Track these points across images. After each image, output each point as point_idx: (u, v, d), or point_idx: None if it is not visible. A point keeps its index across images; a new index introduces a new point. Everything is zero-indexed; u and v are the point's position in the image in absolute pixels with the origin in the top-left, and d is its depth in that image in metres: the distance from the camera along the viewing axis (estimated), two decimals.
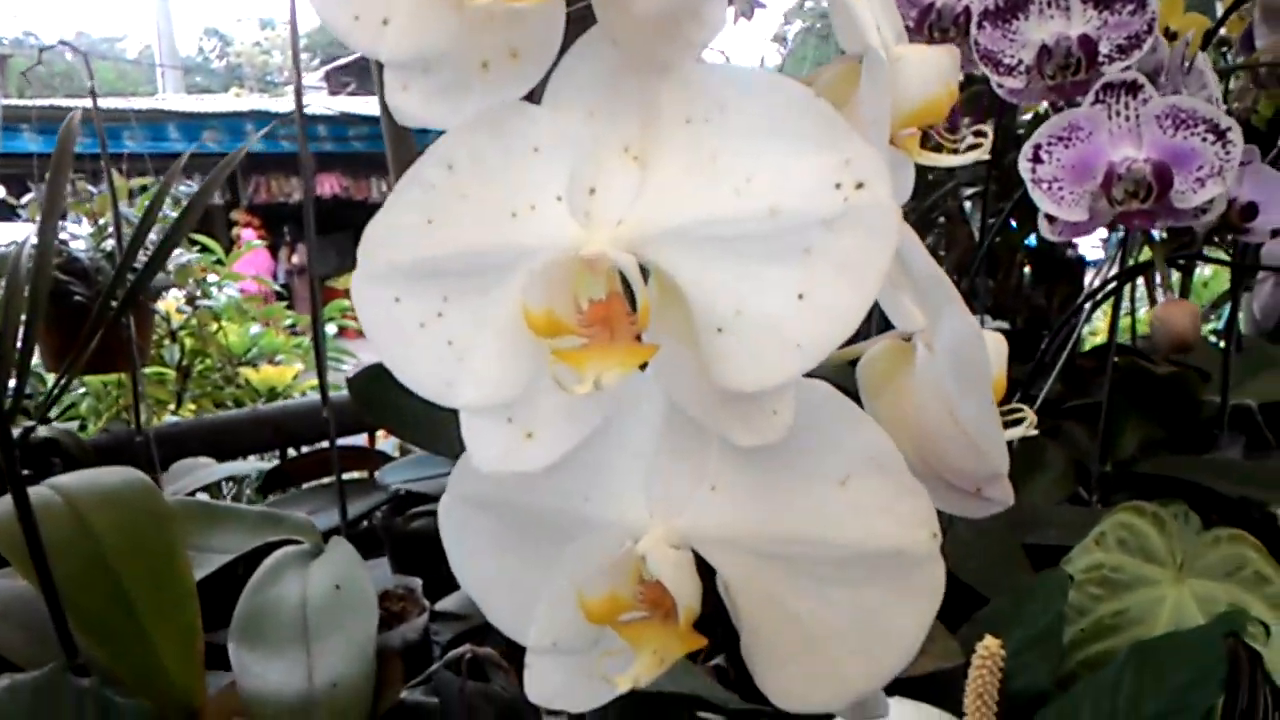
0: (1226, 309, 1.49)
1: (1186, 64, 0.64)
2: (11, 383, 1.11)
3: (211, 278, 2.33)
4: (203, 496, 1.53)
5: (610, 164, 0.32)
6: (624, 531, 0.33)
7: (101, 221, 1.61)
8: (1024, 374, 1.21)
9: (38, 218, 1.51)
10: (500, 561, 0.37)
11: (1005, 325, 1.67)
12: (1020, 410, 0.36)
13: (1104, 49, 0.62)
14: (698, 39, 0.31)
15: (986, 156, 0.35)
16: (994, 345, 0.34)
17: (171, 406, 2.14)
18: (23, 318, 1.12)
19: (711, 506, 0.32)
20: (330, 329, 3.04)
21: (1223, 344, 1.24)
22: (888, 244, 0.28)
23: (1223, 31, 1.08)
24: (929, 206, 1.56)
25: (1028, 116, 1.46)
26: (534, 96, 0.35)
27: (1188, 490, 1.04)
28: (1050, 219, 0.62)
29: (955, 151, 0.36)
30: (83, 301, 1.42)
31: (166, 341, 2.08)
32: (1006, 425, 0.35)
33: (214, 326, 1.93)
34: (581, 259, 0.30)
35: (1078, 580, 0.78)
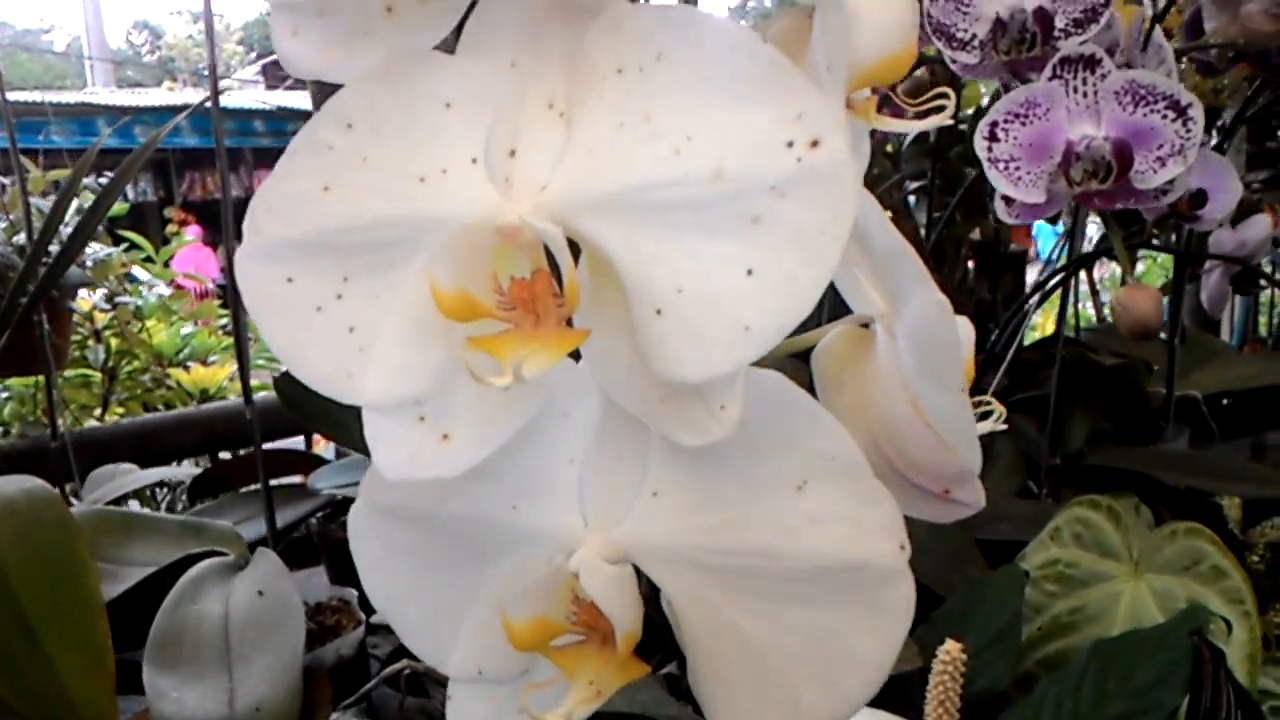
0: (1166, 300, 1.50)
1: (1142, 40, 0.62)
2: None
3: (142, 275, 2.22)
4: (134, 505, 1.46)
5: (533, 121, 0.28)
6: (556, 545, 0.29)
7: (13, 217, 1.52)
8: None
9: None
10: (418, 579, 0.33)
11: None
12: (989, 403, 0.33)
13: (1060, 22, 0.60)
14: None
15: (949, 121, 0.32)
16: (962, 330, 0.31)
17: (97, 410, 2.04)
18: None
19: (653, 515, 0.28)
20: None
21: (1165, 336, 1.24)
22: (847, 210, 0.25)
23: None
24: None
25: (970, 111, 1.45)
26: (447, 46, 0.31)
27: (1136, 482, 1.03)
28: (1007, 201, 0.59)
29: (919, 116, 0.33)
30: None
31: (90, 342, 1.98)
32: (979, 415, 0.32)
33: (136, 325, 1.84)
34: (498, 230, 0.26)
35: (1033, 577, 0.76)
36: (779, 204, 0.25)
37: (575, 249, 0.28)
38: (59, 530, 0.67)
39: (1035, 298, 0.94)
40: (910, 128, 0.32)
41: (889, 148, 1.52)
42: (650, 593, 0.30)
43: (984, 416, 0.33)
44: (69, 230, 1.30)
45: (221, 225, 0.96)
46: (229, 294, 0.99)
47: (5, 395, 1.87)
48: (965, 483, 0.30)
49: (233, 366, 2.45)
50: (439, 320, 0.27)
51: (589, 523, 0.29)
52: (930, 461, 0.30)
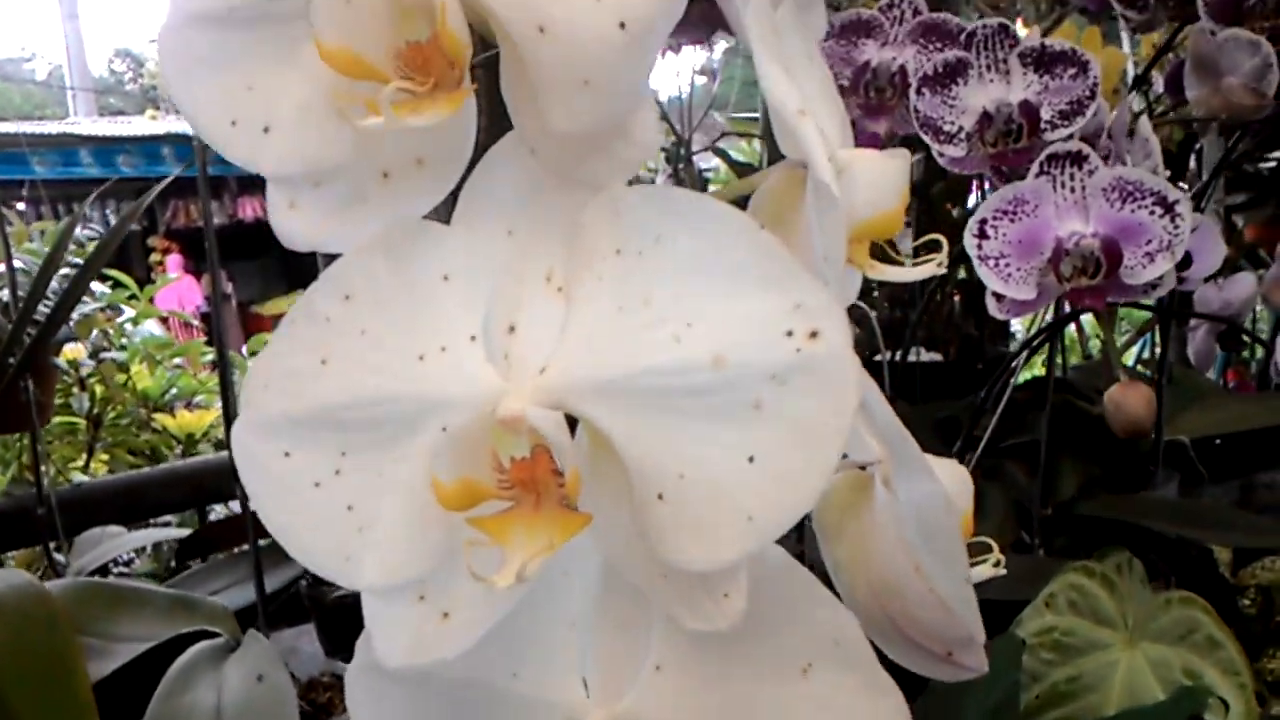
0: (1145, 339, 1.52)
1: (1129, 127, 0.63)
2: None
3: (127, 311, 2.21)
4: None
5: (532, 295, 0.28)
6: (559, 716, 0.29)
7: None
8: (959, 409, 1.20)
9: None
10: None
11: (938, 357, 1.67)
12: (989, 548, 0.33)
13: (1046, 115, 0.61)
14: (627, 158, 0.27)
15: (943, 271, 0.32)
16: (959, 482, 0.31)
17: (82, 458, 2.02)
18: None
19: (656, 691, 0.28)
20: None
21: (1152, 374, 1.25)
22: (847, 402, 0.25)
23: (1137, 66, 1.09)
24: None
25: None
26: (440, 215, 0.31)
27: (1128, 529, 1.04)
28: (998, 297, 0.60)
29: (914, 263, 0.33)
30: None
31: (75, 390, 1.96)
32: (974, 563, 0.32)
33: (122, 378, 1.83)
34: (499, 422, 0.26)
35: (1030, 644, 0.76)
36: (779, 391, 0.25)
37: (573, 422, 0.27)
38: (48, 628, 0.66)
39: (1023, 355, 0.95)
40: (905, 277, 0.32)
41: None
42: None
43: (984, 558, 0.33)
44: (54, 284, 1.29)
45: (206, 254, 0.95)
46: (215, 336, 0.98)
47: None
48: (969, 647, 0.30)
49: (219, 409, 2.43)
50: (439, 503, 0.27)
51: (592, 695, 0.29)
52: (933, 623, 0.29)
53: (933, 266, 0.32)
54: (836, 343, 0.25)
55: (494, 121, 0.31)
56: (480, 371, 0.28)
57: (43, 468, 1.27)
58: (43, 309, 1.34)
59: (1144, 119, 0.61)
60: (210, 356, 2.92)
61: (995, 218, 0.58)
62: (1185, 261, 0.83)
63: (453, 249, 0.29)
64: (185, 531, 1.36)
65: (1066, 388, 1.36)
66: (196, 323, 3.89)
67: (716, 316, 0.26)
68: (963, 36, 0.65)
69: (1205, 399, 1.27)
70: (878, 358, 1.38)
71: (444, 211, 0.31)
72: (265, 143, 0.29)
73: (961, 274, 1.61)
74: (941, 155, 0.63)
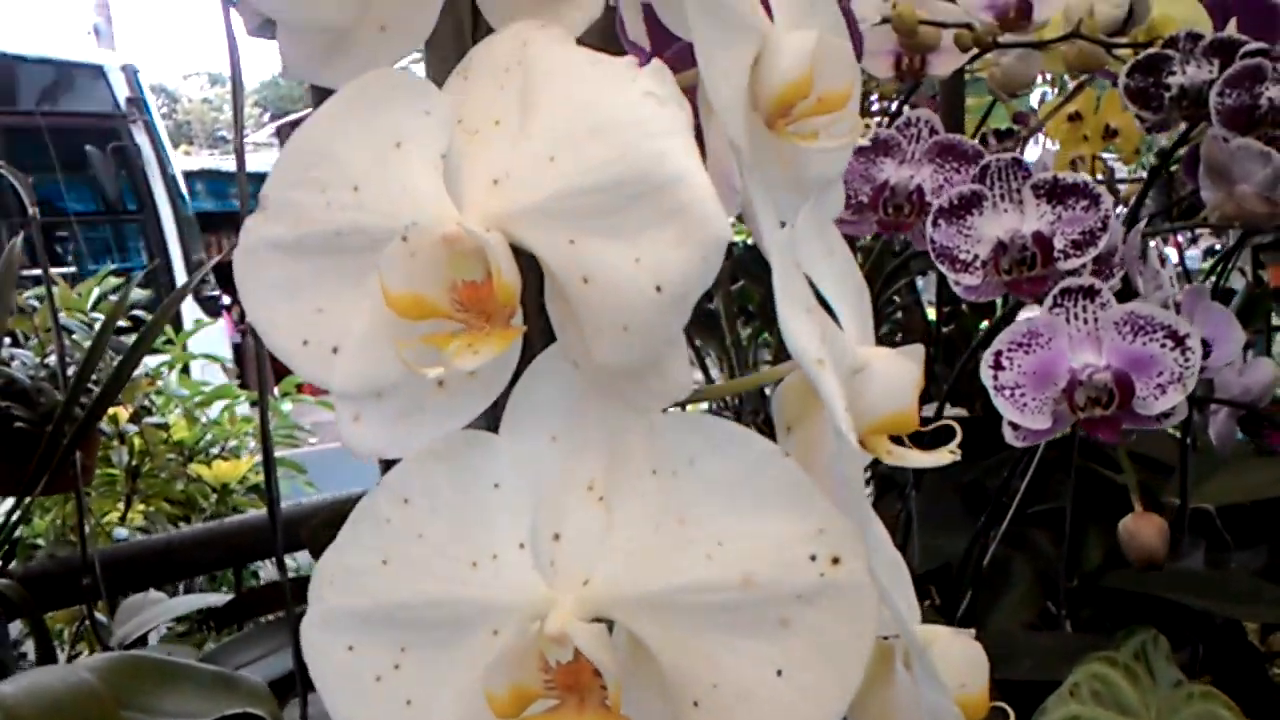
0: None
1: (1140, 252, 0.65)
2: None
3: (162, 356, 2.25)
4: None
5: (574, 504, 0.31)
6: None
7: (43, 336, 1.56)
8: (984, 470, 1.21)
9: None
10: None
11: (963, 412, 1.68)
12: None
13: (1059, 244, 0.63)
14: (661, 392, 0.30)
15: (957, 456, 0.34)
16: (973, 663, 0.33)
17: (120, 507, 2.07)
18: None
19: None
20: (286, 406, 2.96)
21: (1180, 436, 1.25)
22: (868, 627, 0.27)
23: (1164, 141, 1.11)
24: (884, 299, 1.57)
25: None
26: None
27: (1155, 600, 1.04)
28: (1014, 426, 0.62)
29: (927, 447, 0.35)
30: (25, 429, 1.36)
31: (115, 443, 2.01)
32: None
33: (161, 435, 1.88)
34: (546, 636, 0.28)
35: None
36: (805, 611, 0.28)
37: (612, 625, 0.30)
38: None
39: None
40: (923, 461, 0.35)
41: (896, 246, 1.55)
42: None
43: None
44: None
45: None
46: (263, 432, 1.01)
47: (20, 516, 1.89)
48: None
49: (252, 452, 2.47)
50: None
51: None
52: None
53: (946, 454, 0.34)
54: (857, 569, 0.27)
55: (536, 316, 0.34)
56: (528, 579, 0.30)
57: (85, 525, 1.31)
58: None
59: (1153, 249, 0.63)
60: (241, 399, 2.97)
61: (1010, 350, 0.60)
62: (1205, 350, 0.84)
63: (501, 457, 0.32)
64: (225, 597, 1.39)
65: (1091, 450, 1.37)
66: (230, 363, 3.96)
67: (745, 538, 0.28)
68: (978, 161, 0.67)
69: (1230, 465, 1.27)
70: None
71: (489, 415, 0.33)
72: (334, 363, 0.32)
73: (984, 325, 1.63)
74: (958, 284, 0.65)
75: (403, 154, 0.31)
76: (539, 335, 0.33)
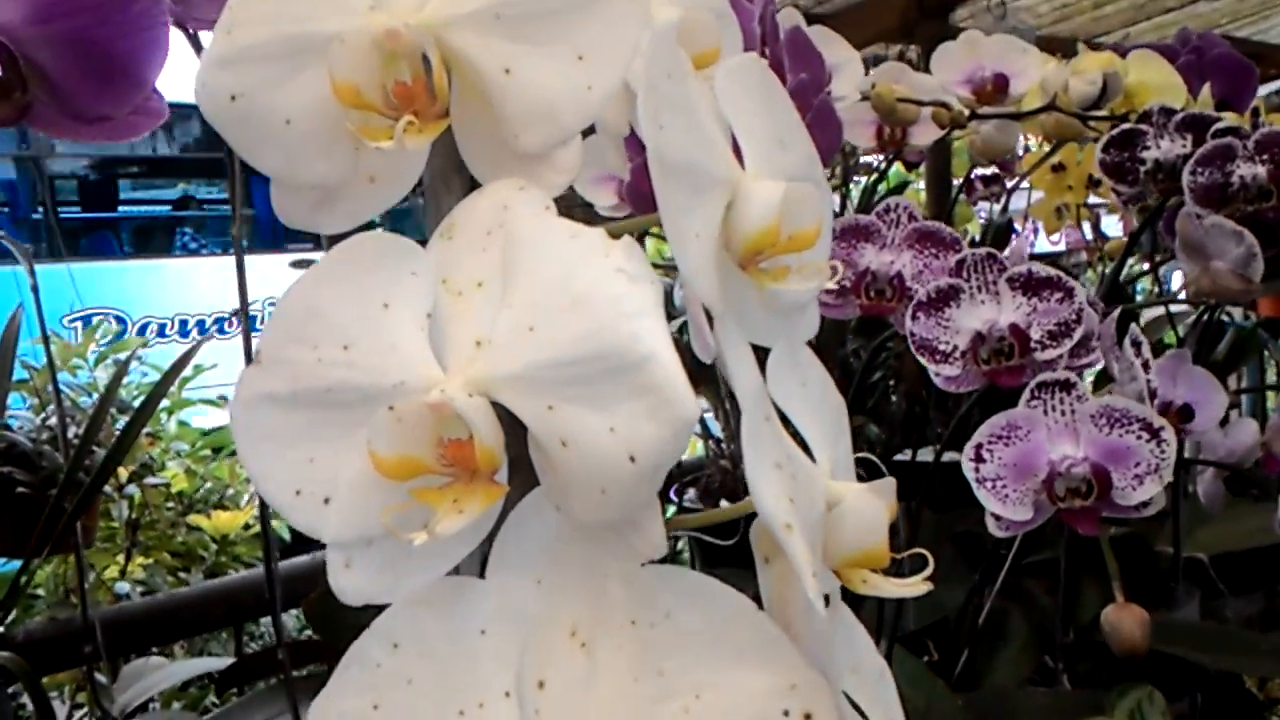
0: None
1: (1114, 341, 0.67)
2: None
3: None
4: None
5: (558, 651, 0.32)
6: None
7: (43, 396, 1.58)
8: (979, 519, 1.21)
9: None
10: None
11: (959, 456, 1.69)
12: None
13: (1035, 334, 0.64)
14: (639, 549, 0.31)
15: (930, 587, 0.36)
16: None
17: (120, 560, 2.08)
18: None
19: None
20: None
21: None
22: None
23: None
24: (878, 345, 1.59)
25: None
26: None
27: (1150, 653, 1.05)
28: (996, 517, 0.63)
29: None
30: (27, 493, 1.38)
31: (115, 496, 2.02)
32: None
33: (163, 493, 1.89)
34: None
35: None
36: None
37: None
38: None
39: None
40: (897, 593, 0.36)
41: None
42: None
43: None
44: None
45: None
46: (261, 513, 1.02)
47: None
48: None
49: (251, 507, 2.47)
50: None
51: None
52: None
53: (921, 585, 0.36)
54: None
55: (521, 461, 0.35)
56: None
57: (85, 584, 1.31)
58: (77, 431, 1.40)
59: (1129, 343, 0.65)
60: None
61: (990, 442, 0.62)
62: (1188, 414, 0.86)
63: (487, 601, 0.33)
64: (225, 662, 1.40)
65: None
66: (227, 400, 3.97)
67: (720, 690, 0.30)
68: (956, 248, 0.69)
69: (1222, 512, 1.28)
70: (897, 457, 1.41)
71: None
72: (325, 513, 0.33)
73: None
74: (938, 375, 0.67)
75: (391, 314, 0.33)
76: (523, 479, 0.35)
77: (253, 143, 0.35)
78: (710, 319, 0.34)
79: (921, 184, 1.83)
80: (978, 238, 1.68)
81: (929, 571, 0.36)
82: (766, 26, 0.68)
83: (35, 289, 1.15)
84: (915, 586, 0.36)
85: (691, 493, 1.52)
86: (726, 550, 1.17)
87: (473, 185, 0.36)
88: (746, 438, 0.31)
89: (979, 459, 0.62)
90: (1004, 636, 1.13)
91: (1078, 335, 0.64)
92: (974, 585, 1.10)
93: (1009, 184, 1.56)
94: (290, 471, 0.34)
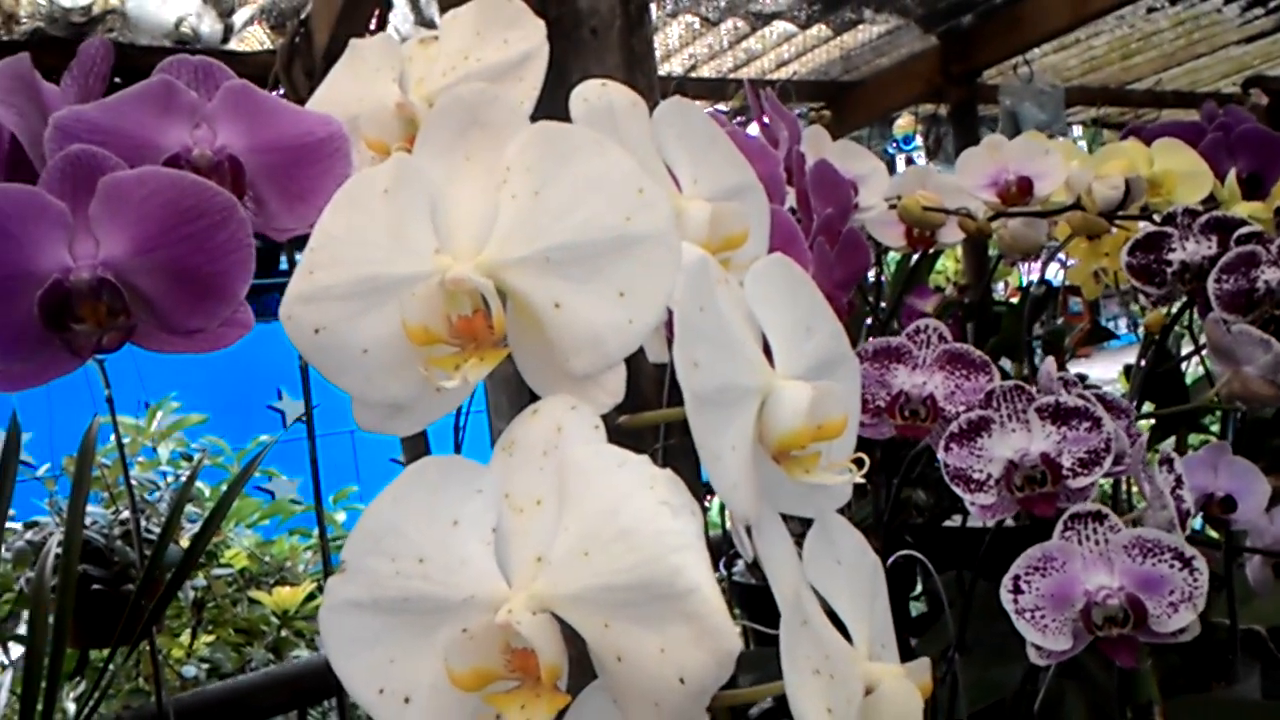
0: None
1: (1144, 463, 0.68)
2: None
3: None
4: None
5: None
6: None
7: (113, 491, 1.65)
8: None
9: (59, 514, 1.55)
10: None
11: (1011, 522, 1.68)
12: None
13: (1066, 463, 0.66)
14: None
15: None
16: None
17: (185, 640, 2.13)
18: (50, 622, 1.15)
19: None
20: (341, 516, 3.03)
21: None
22: None
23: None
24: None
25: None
26: None
27: None
28: (1036, 647, 0.65)
29: None
30: (102, 590, 1.44)
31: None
32: None
33: (227, 577, 1.95)
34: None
35: None
36: None
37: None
38: None
39: None
40: None
41: None
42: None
43: None
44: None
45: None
46: (321, 534, 1.07)
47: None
48: None
49: (313, 581, 2.53)
50: None
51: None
52: None
53: None
54: None
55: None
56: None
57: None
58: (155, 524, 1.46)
59: (1156, 471, 0.66)
60: (300, 510, 3.04)
61: (1027, 574, 0.64)
62: (1230, 504, 0.86)
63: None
64: None
65: None
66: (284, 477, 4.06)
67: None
68: (987, 370, 0.71)
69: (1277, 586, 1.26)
70: (946, 523, 1.41)
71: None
72: (406, 712, 0.37)
73: None
74: (973, 504, 0.69)
75: (459, 531, 0.36)
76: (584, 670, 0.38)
77: (335, 369, 0.40)
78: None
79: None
80: (1015, 301, 1.69)
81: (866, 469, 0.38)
82: (793, 163, 0.72)
83: (110, 401, 1.23)
84: None
85: (740, 565, 1.53)
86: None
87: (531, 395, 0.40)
88: (785, 645, 0.34)
89: (1017, 590, 0.64)
90: (1061, 718, 1.13)
91: (1107, 463, 0.65)
92: (1030, 664, 1.10)
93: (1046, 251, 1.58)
94: (372, 671, 0.37)
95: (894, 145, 2.62)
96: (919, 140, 2.60)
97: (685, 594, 0.31)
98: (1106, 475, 0.67)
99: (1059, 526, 0.64)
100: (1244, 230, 0.77)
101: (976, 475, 0.68)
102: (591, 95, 0.45)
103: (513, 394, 0.44)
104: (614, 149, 0.38)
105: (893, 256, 1.56)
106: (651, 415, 0.45)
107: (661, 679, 0.32)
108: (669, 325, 0.38)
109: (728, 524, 0.43)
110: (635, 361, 0.40)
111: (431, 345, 0.38)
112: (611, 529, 0.33)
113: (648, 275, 0.37)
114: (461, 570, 0.36)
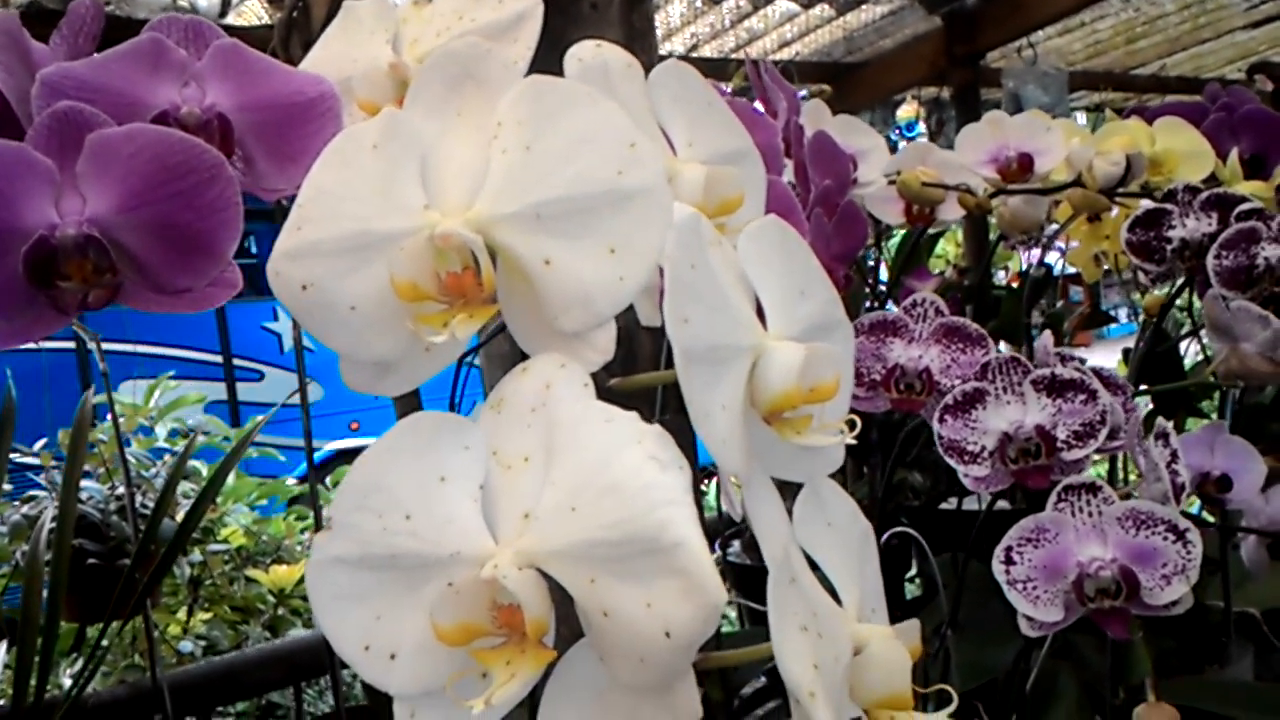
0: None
1: (1140, 438, 0.68)
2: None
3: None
4: None
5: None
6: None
7: (110, 468, 1.65)
8: None
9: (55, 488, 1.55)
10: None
11: (1005, 504, 1.68)
12: None
13: (1060, 435, 0.66)
14: (677, 714, 0.34)
15: None
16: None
17: (182, 617, 2.14)
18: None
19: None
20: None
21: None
22: None
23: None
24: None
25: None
26: None
27: (1204, 715, 1.04)
28: (1028, 618, 0.64)
29: None
30: (98, 564, 1.44)
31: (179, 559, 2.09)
32: None
33: (223, 555, 1.95)
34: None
35: None
36: None
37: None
38: None
39: None
40: None
41: None
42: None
43: None
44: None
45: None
46: (315, 512, 1.07)
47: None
48: None
49: (304, 557, 2.53)
50: None
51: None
52: None
53: (944, 717, 0.38)
54: None
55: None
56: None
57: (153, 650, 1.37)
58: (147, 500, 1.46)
59: (1152, 444, 0.66)
60: (296, 491, 3.04)
61: (1019, 545, 0.63)
62: (1226, 484, 0.86)
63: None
64: None
65: None
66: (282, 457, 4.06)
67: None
68: (983, 343, 0.71)
69: (1274, 566, 1.26)
70: (942, 506, 1.41)
71: None
72: (391, 668, 0.37)
73: None
74: (967, 476, 0.69)
75: (447, 488, 0.36)
76: (570, 627, 0.38)
77: (322, 326, 0.39)
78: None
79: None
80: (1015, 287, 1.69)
81: (952, 708, 0.38)
82: (791, 134, 0.71)
83: (105, 376, 1.22)
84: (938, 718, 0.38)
85: (736, 545, 1.53)
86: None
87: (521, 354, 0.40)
88: (772, 602, 0.34)
89: (1009, 561, 0.63)
90: (1054, 697, 1.13)
91: (1102, 436, 0.65)
92: (1023, 644, 1.10)
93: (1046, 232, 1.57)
94: (359, 628, 0.37)
95: (896, 132, 2.61)
96: (921, 126, 2.59)
97: (672, 548, 0.31)
98: (1102, 450, 0.67)
99: (1052, 498, 0.64)
100: (1245, 207, 0.77)
101: (971, 447, 0.67)
102: (586, 55, 0.45)
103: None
104: (606, 103, 0.37)
105: (893, 242, 1.55)
106: (645, 377, 0.44)
107: (647, 633, 0.32)
108: (661, 292, 0.38)
109: (724, 505, 0.43)
110: (628, 327, 0.39)
111: (420, 302, 0.37)
112: (599, 484, 0.33)
113: (639, 231, 0.36)
114: (448, 527, 0.36)
